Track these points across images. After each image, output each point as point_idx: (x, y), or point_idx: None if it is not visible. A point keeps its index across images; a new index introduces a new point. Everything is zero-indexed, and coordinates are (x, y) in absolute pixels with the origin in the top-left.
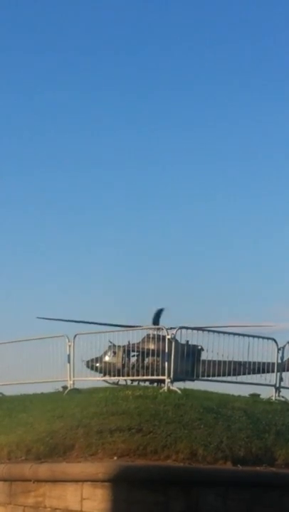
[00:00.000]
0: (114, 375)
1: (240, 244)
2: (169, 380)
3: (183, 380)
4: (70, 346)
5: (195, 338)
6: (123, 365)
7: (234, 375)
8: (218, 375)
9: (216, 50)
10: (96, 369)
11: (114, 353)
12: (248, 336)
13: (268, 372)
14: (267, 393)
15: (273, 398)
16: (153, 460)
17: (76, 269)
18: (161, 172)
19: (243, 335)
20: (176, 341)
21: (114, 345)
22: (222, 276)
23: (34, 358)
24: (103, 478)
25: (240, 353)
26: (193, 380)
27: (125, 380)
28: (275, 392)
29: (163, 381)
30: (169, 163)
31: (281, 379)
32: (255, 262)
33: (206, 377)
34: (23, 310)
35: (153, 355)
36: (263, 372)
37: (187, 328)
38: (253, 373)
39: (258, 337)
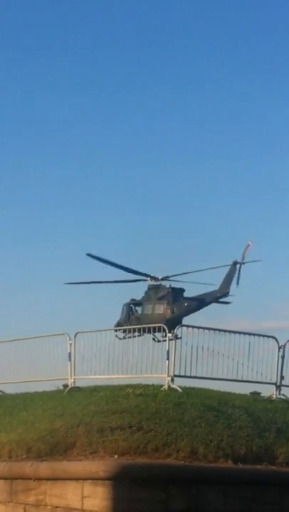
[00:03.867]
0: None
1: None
2: (170, 379)
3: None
4: (70, 344)
5: (196, 337)
6: (128, 318)
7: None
8: (196, 310)
9: (217, 48)
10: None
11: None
12: (249, 334)
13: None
14: (267, 391)
15: (274, 396)
16: (154, 458)
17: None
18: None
19: (244, 333)
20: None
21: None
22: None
23: (35, 356)
24: (104, 477)
25: (241, 351)
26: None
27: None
28: (276, 390)
29: (159, 329)
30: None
31: (282, 377)
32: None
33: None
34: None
35: (151, 303)
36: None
37: (188, 326)
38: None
39: (259, 335)
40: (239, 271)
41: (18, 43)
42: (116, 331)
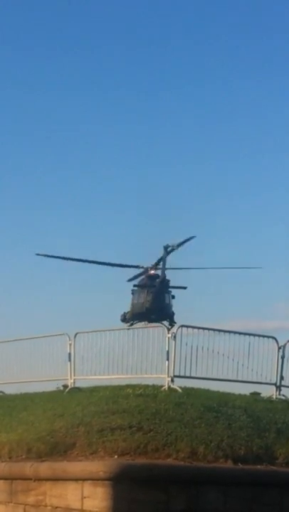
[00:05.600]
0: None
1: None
2: (170, 379)
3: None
4: (70, 345)
5: (196, 337)
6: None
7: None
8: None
9: (217, 48)
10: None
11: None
12: (249, 334)
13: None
14: (267, 392)
15: (274, 397)
16: (154, 458)
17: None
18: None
19: (244, 333)
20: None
21: None
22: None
23: (35, 356)
24: (104, 477)
25: (241, 351)
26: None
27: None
28: (276, 390)
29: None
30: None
31: (282, 377)
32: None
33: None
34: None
35: (137, 292)
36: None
37: (188, 326)
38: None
39: (259, 335)
40: (165, 256)
41: (19, 42)
42: (124, 321)
